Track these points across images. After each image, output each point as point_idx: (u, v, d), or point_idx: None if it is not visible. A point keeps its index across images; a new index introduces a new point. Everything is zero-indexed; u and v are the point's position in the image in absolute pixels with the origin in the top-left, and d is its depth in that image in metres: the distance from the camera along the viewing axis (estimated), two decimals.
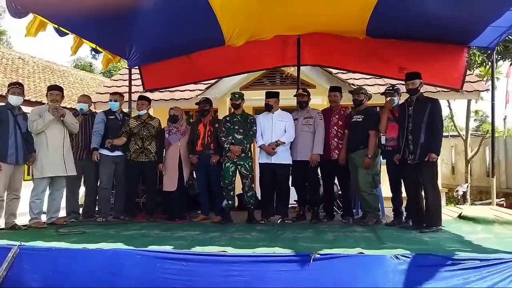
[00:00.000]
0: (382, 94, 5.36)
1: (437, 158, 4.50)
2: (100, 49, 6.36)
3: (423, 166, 4.51)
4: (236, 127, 5.38)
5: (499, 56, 11.54)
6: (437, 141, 4.54)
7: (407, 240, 3.93)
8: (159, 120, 5.90)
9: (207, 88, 8.60)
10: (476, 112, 22.25)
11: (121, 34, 5.79)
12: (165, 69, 6.82)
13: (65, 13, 5.15)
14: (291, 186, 5.60)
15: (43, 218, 5.17)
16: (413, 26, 5.48)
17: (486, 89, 8.65)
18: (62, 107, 5.22)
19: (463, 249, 3.39)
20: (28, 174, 6.35)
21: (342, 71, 8.64)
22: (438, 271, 2.96)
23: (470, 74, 8.81)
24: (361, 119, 5.20)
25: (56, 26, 5.38)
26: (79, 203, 5.88)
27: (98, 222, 5.37)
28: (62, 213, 5.53)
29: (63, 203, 5.48)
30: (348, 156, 5.30)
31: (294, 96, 5.75)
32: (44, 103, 6.97)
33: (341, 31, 6.11)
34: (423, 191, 4.68)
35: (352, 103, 5.46)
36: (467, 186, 12.82)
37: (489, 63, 10.89)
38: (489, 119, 18.18)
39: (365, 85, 8.02)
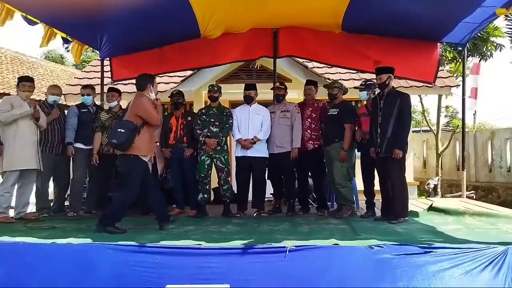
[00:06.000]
0: (355, 88, 5.42)
1: (402, 154, 4.54)
2: (70, 39, 6.17)
3: (390, 159, 4.58)
4: (212, 120, 5.33)
5: (469, 53, 11.84)
6: (402, 136, 4.59)
7: (381, 232, 3.99)
8: None
9: (182, 81, 8.48)
10: (447, 107, 22.84)
11: (91, 23, 5.63)
12: (135, 60, 6.68)
13: (34, 0, 4.97)
14: (267, 179, 5.60)
15: (11, 213, 4.99)
16: (387, 21, 5.55)
17: (457, 85, 8.86)
18: (33, 99, 5.09)
19: (435, 239, 3.47)
20: None
21: (318, 66, 8.69)
22: (412, 259, 3.01)
23: (441, 70, 8.99)
24: (336, 113, 5.24)
25: (24, 15, 5.18)
26: (49, 198, 5.71)
27: (69, 217, 5.23)
28: (31, 208, 5.35)
29: (32, 198, 5.30)
30: (324, 149, 5.34)
31: (271, 89, 5.74)
32: (11, 95, 6.74)
33: (317, 25, 6.13)
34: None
35: (327, 97, 5.50)
36: (438, 180, 13.14)
37: (460, 60, 11.16)
38: (459, 115, 18.69)
39: (340, 79, 8.07)
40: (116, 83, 6.90)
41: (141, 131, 4.18)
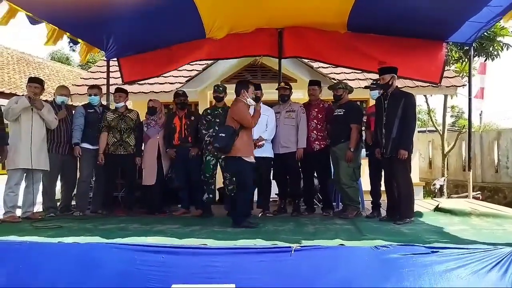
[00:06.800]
0: (365, 87, 5.40)
1: (407, 155, 4.53)
2: (77, 40, 6.21)
3: (395, 160, 4.56)
4: (217, 120, 5.33)
5: (475, 53, 11.76)
6: (408, 137, 4.57)
7: (387, 232, 3.97)
8: (137, 112, 5.81)
9: (187, 81, 8.51)
10: (453, 107, 22.74)
11: (98, 24, 5.66)
12: (144, 60, 6.70)
13: (40, 0, 5.00)
14: (272, 179, 5.60)
15: (18, 212, 5.03)
16: (393, 20, 5.53)
17: (463, 85, 8.82)
18: (44, 100, 5.12)
19: (441, 240, 3.45)
20: (3, 168, 6.16)
21: (323, 66, 8.68)
22: (418, 259, 3.00)
23: (447, 70, 8.95)
24: (342, 113, 5.23)
25: (31, 15, 5.21)
26: (56, 198, 5.74)
27: (75, 217, 5.26)
28: (38, 207, 5.39)
29: (39, 198, 5.34)
30: (330, 149, 5.33)
31: (276, 89, 5.74)
32: (19, 95, 6.79)
33: (322, 25, 6.12)
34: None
35: (333, 98, 5.49)
36: (444, 180, 13.09)
37: (466, 59, 11.09)
38: (465, 115, 18.60)
39: (345, 79, 8.08)
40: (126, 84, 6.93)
41: (240, 134, 4.49)
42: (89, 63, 20.59)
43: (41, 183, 5.23)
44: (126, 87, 6.77)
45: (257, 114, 4.67)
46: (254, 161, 4.64)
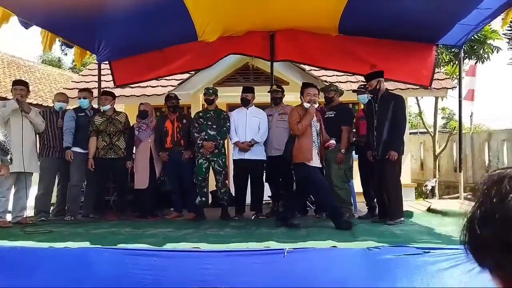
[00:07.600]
0: (353, 91, 5.43)
1: (398, 156, 4.56)
2: (70, 43, 6.17)
3: (386, 161, 4.59)
4: (209, 123, 5.33)
5: (466, 55, 11.87)
6: (398, 139, 4.61)
7: (379, 234, 3.99)
8: (126, 115, 5.78)
9: (179, 84, 8.47)
10: (443, 109, 22.91)
11: (89, 27, 5.63)
12: (136, 64, 6.66)
13: (30, 4, 4.96)
14: (265, 182, 5.60)
15: (8, 217, 4.97)
16: (384, 23, 5.56)
17: (454, 87, 8.88)
18: (29, 103, 5.08)
19: (433, 241, 3.47)
20: None
21: (315, 68, 8.70)
22: (411, 260, 3.01)
23: (438, 72, 9.01)
24: (333, 115, 5.26)
25: (21, 18, 5.17)
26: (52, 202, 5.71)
27: (66, 221, 5.21)
28: (29, 212, 5.34)
29: (31, 202, 5.29)
30: None
31: (268, 92, 5.75)
32: (9, 99, 6.72)
33: (314, 28, 6.14)
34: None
35: (324, 100, 5.52)
36: (435, 181, 13.16)
37: (456, 62, 11.18)
38: (456, 117, 18.75)
39: (337, 82, 8.09)
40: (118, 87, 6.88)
41: (296, 141, 4.58)
42: (80, 67, 20.41)
43: (32, 187, 5.18)
44: (118, 90, 6.74)
45: (307, 117, 4.56)
46: (314, 165, 4.58)
